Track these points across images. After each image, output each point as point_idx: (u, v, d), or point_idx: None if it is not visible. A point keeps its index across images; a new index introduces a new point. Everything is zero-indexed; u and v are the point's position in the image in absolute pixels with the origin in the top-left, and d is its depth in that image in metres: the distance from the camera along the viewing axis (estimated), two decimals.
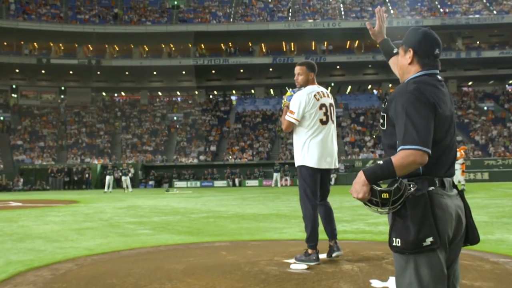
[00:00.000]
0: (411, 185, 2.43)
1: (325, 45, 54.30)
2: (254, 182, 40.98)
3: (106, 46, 54.86)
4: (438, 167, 2.49)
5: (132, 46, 54.63)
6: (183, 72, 54.61)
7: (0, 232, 9.95)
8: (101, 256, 6.85)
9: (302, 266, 5.49)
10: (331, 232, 5.75)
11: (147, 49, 56.48)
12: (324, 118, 5.62)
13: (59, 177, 40.42)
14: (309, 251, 5.62)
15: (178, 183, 41.01)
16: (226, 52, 54.72)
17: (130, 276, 5.28)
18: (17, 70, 54.21)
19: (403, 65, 2.65)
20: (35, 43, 54.44)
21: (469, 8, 51.76)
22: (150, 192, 31.09)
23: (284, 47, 56.10)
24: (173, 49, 56.13)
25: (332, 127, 5.72)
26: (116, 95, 60.33)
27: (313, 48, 55.39)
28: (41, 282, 5.26)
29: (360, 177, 2.43)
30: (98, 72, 53.60)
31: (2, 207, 18.00)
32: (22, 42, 52.86)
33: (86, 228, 10.42)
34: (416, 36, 2.61)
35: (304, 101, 5.59)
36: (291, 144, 45.03)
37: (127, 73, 55.80)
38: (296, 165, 5.78)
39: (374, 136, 45.49)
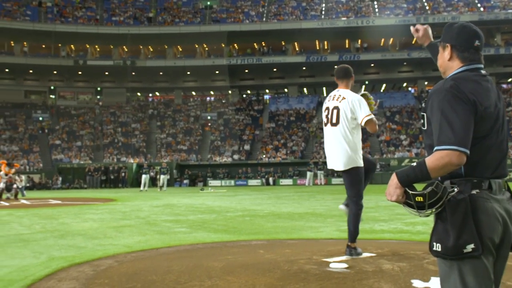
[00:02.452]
0: (452, 188, 2.33)
1: (359, 43, 53.79)
2: (288, 181, 40.88)
3: (141, 47, 55.51)
4: (482, 168, 2.36)
5: (166, 47, 55.14)
6: (217, 72, 54.84)
7: (42, 229, 10.17)
8: (140, 253, 6.92)
9: (342, 265, 5.44)
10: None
11: (180, 50, 56.91)
12: (325, 120, 5.79)
13: (96, 176, 41.09)
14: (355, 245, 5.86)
15: (212, 182, 41.23)
16: (259, 52, 54.74)
17: (170, 273, 5.31)
18: (55, 72, 55.33)
19: (444, 62, 2.56)
20: (72, 45, 55.46)
21: (508, 2, 50.49)
22: (185, 191, 31.32)
23: (317, 45, 55.79)
24: (207, 49, 56.41)
25: (331, 129, 5.77)
26: (150, 95, 60.99)
27: (346, 46, 54.96)
28: (84, 277, 5.34)
29: (393, 179, 2.36)
30: (133, 73, 54.30)
31: (42, 205, 18.39)
32: (59, 45, 53.91)
33: (124, 225, 10.55)
34: (453, 30, 2.52)
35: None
36: None
37: (161, 73, 56.36)
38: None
39: (410, 135, 44.86)
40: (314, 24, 51.08)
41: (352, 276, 4.97)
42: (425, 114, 2.48)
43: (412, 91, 55.92)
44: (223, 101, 57.49)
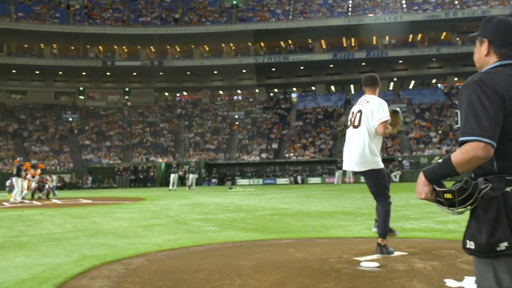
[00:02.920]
0: (485, 185, 2.26)
1: (387, 40, 53.23)
2: (317, 180, 40.71)
3: (168, 47, 55.91)
4: None
5: (193, 47, 55.42)
6: (244, 71, 54.94)
7: (73, 227, 10.31)
8: (170, 252, 6.96)
9: (373, 264, 5.39)
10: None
11: (207, 49, 57.13)
12: (348, 123, 6.02)
13: (125, 175, 41.53)
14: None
15: (240, 181, 41.28)
16: (285, 50, 54.63)
17: (200, 272, 5.33)
18: (83, 73, 56.16)
19: (480, 58, 2.50)
20: (100, 47, 56.17)
21: None
22: (213, 190, 31.42)
23: (344, 42, 55.38)
24: (233, 48, 56.53)
25: (353, 131, 5.92)
26: (178, 94, 61.39)
27: (374, 43, 54.43)
28: (115, 276, 5.39)
29: (421, 177, 2.34)
30: (161, 73, 54.76)
31: (73, 204, 18.67)
32: (88, 46, 54.68)
33: (154, 224, 10.63)
34: (491, 25, 2.46)
35: None
36: None
37: (188, 73, 56.68)
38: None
39: (440, 132, 44.24)
40: (341, 21, 50.70)
41: (383, 275, 4.92)
42: (458, 111, 2.40)
43: (442, 87, 55.10)
44: (251, 100, 57.54)
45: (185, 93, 61.25)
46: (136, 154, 47.89)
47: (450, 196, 2.27)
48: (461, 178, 2.28)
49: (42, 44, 54.17)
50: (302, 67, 55.04)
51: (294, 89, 59.88)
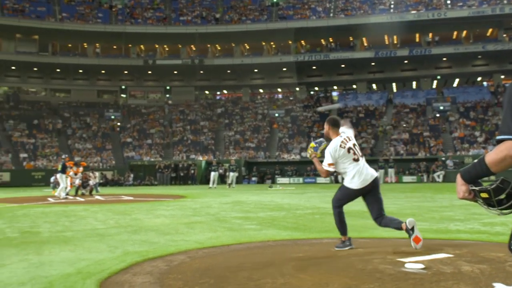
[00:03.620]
0: None
1: (430, 37, 52.20)
2: None
3: (208, 45, 56.25)
4: None
5: (233, 45, 55.64)
6: (284, 69, 54.83)
7: (116, 224, 10.46)
8: (211, 250, 6.96)
9: (418, 265, 5.26)
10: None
11: (248, 47, 57.23)
12: (355, 157, 6.57)
13: (166, 173, 42.00)
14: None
15: (280, 179, 41.22)
16: (326, 48, 54.26)
17: (242, 270, 5.30)
18: (125, 72, 57.10)
19: None
20: (141, 46, 56.97)
21: None
22: (253, 188, 31.45)
23: (386, 40, 54.58)
24: (274, 46, 56.46)
25: (362, 160, 6.67)
26: (218, 93, 61.72)
27: (417, 40, 53.48)
28: (157, 272, 5.42)
29: (458, 177, 2.39)
30: (201, 71, 55.15)
31: (115, 201, 18.96)
32: (129, 45, 55.56)
33: (194, 222, 10.68)
34: None
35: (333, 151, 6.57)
36: (396, 140, 43.85)
37: (228, 71, 56.93)
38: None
39: (485, 131, 43.15)
40: (383, 18, 49.98)
41: (429, 278, 4.79)
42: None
43: (487, 85, 53.69)
44: (291, 98, 57.38)
45: (225, 91, 61.54)
46: (176, 152, 48.38)
47: (486, 196, 2.26)
48: (498, 178, 2.25)
49: (85, 44, 55.31)
50: (343, 65, 54.57)
51: (335, 87, 59.43)
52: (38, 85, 57.31)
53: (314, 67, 55.32)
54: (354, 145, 6.66)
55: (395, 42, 54.36)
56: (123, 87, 58.76)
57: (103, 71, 56.83)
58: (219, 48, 57.57)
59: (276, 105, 55.49)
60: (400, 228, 6.37)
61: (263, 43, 55.48)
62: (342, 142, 6.55)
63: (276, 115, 53.43)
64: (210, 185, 32.01)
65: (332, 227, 9.31)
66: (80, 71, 56.15)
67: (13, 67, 53.83)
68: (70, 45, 55.48)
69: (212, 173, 32.48)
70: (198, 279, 4.97)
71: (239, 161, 41.59)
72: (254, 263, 5.64)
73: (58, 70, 55.45)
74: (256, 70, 56.75)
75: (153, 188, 33.96)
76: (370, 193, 6.62)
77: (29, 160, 44.67)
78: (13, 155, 44.90)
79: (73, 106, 55.41)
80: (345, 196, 6.68)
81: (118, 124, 53.27)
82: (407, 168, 40.56)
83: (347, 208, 6.94)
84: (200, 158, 45.17)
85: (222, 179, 37.95)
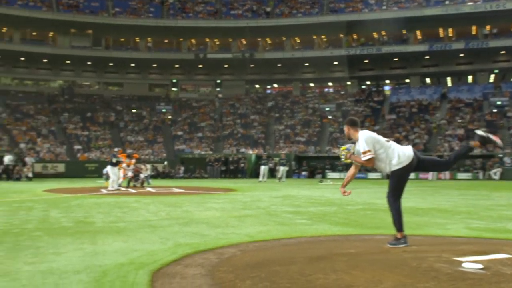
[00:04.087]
0: None
1: (488, 29, 50.49)
2: (410, 175, 39.38)
3: (259, 39, 56.30)
4: None
5: (284, 39, 55.48)
6: (335, 63, 54.32)
7: (167, 216, 10.58)
8: (262, 243, 6.93)
9: (476, 265, 5.06)
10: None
11: (298, 41, 56.94)
12: (387, 139, 6.68)
13: (216, 166, 42.32)
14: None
15: (331, 174, 40.88)
16: (379, 41, 53.35)
17: (293, 265, 5.24)
18: (176, 66, 57.90)
19: None
20: (192, 40, 57.55)
21: None
22: (304, 183, 31.31)
23: (441, 33, 53.17)
24: (325, 39, 55.96)
25: None
26: (269, 87, 61.70)
27: (473, 33, 51.88)
28: (209, 264, 5.43)
29: None
30: (252, 65, 55.31)
31: (167, 193, 19.22)
32: (181, 39, 56.26)
33: (245, 215, 10.68)
34: None
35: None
36: (450, 135, 42.73)
37: (279, 65, 56.84)
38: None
39: None
40: (437, 11, 48.66)
41: (488, 278, 4.60)
42: None
43: None
44: (342, 92, 56.81)
45: (275, 85, 61.46)
46: (227, 145, 48.69)
47: None
48: None
49: (137, 38, 56.35)
50: (395, 59, 53.59)
51: (387, 81, 58.35)
52: (92, 78, 58.85)
53: (366, 61, 54.55)
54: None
55: (450, 34, 52.88)
56: (174, 80, 59.57)
57: (154, 65, 57.77)
58: (269, 42, 57.50)
59: (326, 99, 55.01)
60: (471, 147, 6.62)
61: (314, 37, 55.08)
62: (370, 132, 6.64)
63: (327, 109, 52.99)
64: (260, 179, 32.02)
65: (384, 223, 9.16)
66: (132, 65, 57.29)
67: (68, 61, 55.42)
68: (122, 39, 56.65)
69: (262, 167, 32.49)
70: (249, 273, 4.95)
71: (289, 155, 41.47)
72: (306, 258, 5.57)
73: (111, 64, 56.76)
74: (306, 64, 56.43)
75: (203, 181, 34.26)
76: (420, 163, 6.64)
77: (83, 151, 45.91)
78: (67, 147, 46.25)
79: (126, 99, 56.60)
80: (400, 180, 6.60)
81: (169, 117, 54.04)
82: (462, 165, 39.48)
83: None
84: (250, 151, 45.29)
85: (272, 173, 37.96)
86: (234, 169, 42.14)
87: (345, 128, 6.91)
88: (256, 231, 8.19)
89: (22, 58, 53.75)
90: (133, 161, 24.25)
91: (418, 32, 53.33)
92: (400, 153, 6.48)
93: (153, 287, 4.53)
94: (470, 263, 5.14)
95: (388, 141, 6.62)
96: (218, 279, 4.75)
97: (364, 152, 6.47)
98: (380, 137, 6.61)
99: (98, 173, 36.55)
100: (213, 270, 5.15)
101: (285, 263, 5.33)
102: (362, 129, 6.76)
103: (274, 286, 4.43)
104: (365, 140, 6.50)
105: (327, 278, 4.63)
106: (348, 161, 6.80)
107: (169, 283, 4.64)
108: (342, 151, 6.87)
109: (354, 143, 6.83)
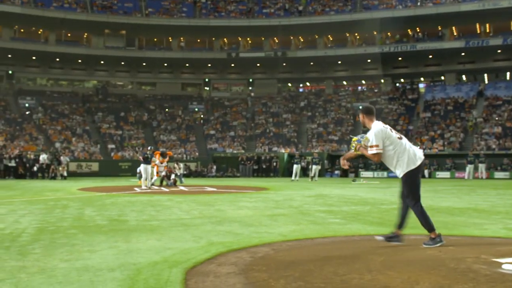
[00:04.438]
0: None
1: None
2: (445, 174, 38.82)
3: (291, 37, 56.11)
4: None
5: (317, 37, 55.19)
6: (368, 60, 53.74)
7: (200, 214, 10.61)
8: (295, 242, 6.89)
9: None
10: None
11: (331, 39, 56.55)
12: (399, 135, 6.61)
13: (248, 165, 42.35)
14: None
15: (364, 173, 40.50)
16: (413, 38, 52.56)
17: (327, 264, 5.18)
18: (209, 65, 58.17)
19: None
20: (225, 39, 57.71)
21: None
22: (336, 182, 31.09)
23: (478, 29, 52.03)
24: (358, 37, 55.45)
25: None
26: (301, 85, 61.44)
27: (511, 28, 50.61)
28: (242, 263, 5.41)
29: None
30: (284, 64, 55.15)
31: (199, 192, 19.31)
32: (213, 38, 56.51)
33: (277, 214, 10.65)
34: None
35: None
36: (487, 134, 41.81)
37: (312, 63, 56.56)
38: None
39: None
40: (474, 6, 47.52)
41: None
42: None
43: None
44: (375, 90, 56.21)
45: (308, 83, 61.18)
46: (259, 144, 48.68)
47: None
48: None
49: (170, 38, 56.80)
50: (431, 56, 52.71)
51: (422, 79, 57.41)
52: (125, 78, 59.60)
53: (400, 58, 53.79)
54: (391, 128, 6.68)
55: (488, 30, 51.67)
56: (206, 80, 59.84)
57: (187, 64, 58.16)
58: (302, 40, 57.24)
59: (359, 98, 54.50)
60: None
61: (347, 34, 54.63)
62: (383, 125, 6.59)
63: (360, 107, 52.31)
64: (293, 177, 31.92)
65: (419, 223, 8.99)
66: (165, 64, 57.80)
67: (101, 62, 56.25)
68: (155, 39, 57.17)
69: (295, 166, 32.36)
70: (283, 272, 4.91)
71: (322, 154, 41.22)
72: (340, 258, 5.51)
73: (144, 64, 57.35)
74: (339, 62, 55.99)
75: (236, 180, 34.33)
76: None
77: (116, 151, 46.53)
78: (101, 146, 46.96)
79: (158, 98, 57.14)
80: (414, 182, 6.41)
81: (202, 116, 54.34)
82: (500, 164, 38.63)
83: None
84: (283, 150, 45.19)
85: (304, 172, 37.78)
86: (266, 168, 42.11)
87: (360, 116, 6.90)
88: (289, 230, 8.15)
89: (58, 59, 54.76)
90: (167, 159, 24.44)
91: (454, 28, 52.33)
92: (411, 153, 6.36)
93: (187, 285, 4.53)
94: (510, 265, 4.99)
95: (400, 138, 6.50)
96: (252, 278, 4.73)
97: (371, 146, 6.38)
98: (392, 133, 6.51)
99: (131, 172, 37.00)
100: (247, 269, 5.14)
101: (319, 263, 5.28)
102: (377, 120, 6.74)
103: (308, 286, 4.38)
104: (375, 134, 6.42)
105: (362, 278, 4.56)
106: (359, 152, 6.68)
107: (203, 282, 4.64)
108: (353, 142, 6.80)
109: (366, 132, 6.75)
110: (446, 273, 4.74)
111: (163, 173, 24.10)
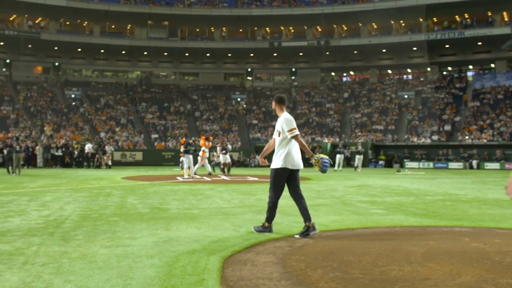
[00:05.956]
0: None
1: None
2: (495, 165, 37.68)
3: (335, 26, 55.44)
4: None
5: (361, 25, 54.34)
6: (414, 48, 52.62)
7: (240, 203, 10.62)
8: (335, 233, 6.81)
9: None
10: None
11: (375, 27, 55.61)
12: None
13: None
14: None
15: (409, 164, 39.78)
16: (461, 24, 51.10)
17: (366, 255, 5.08)
18: (251, 55, 58.12)
19: None
20: (267, 28, 57.54)
21: None
22: (380, 172, 30.67)
23: None
24: (403, 24, 54.34)
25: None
26: (344, 74, 60.75)
27: None
28: (280, 253, 5.38)
29: None
30: (327, 52, 54.55)
31: (241, 181, 19.36)
32: (255, 28, 56.40)
33: (319, 204, 10.55)
34: None
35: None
36: None
37: (355, 52, 55.79)
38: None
39: None
40: None
41: None
42: None
43: None
44: (421, 79, 55.05)
45: (352, 72, 60.42)
46: (302, 134, 48.32)
47: None
48: None
49: (212, 28, 57.03)
50: (480, 43, 51.14)
51: (470, 66, 55.87)
52: (168, 69, 60.23)
53: (447, 46, 52.43)
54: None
55: None
56: (249, 69, 59.87)
57: (229, 54, 58.29)
58: (345, 28, 56.52)
59: (402, 87, 53.49)
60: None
61: (392, 22, 53.61)
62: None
63: (406, 96, 51.55)
64: (336, 168, 31.64)
65: (465, 215, 8.79)
66: (208, 54, 58.07)
67: (145, 52, 57.02)
68: (197, 30, 57.49)
69: (338, 156, 32.06)
70: (321, 262, 4.84)
71: (366, 144, 40.71)
72: (380, 249, 5.40)
73: (186, 54, 57.81)
74: (384, 50, 55.06)
75: None
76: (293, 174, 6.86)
77: (159, 140, 47.13)
78: (145, 136, 47.66)
79: (201, 89, 57.53)
80: (278, 179, 6.85)
81: (244, 106, 54.43)
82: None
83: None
84: (326, 140, 44.84)
85: (348, 162, 37.42)
86: (308, 158, 41.80)
87: (273, 104, 7.26)
88: (330, 220, 8.07)
89: (102, 51, 55.86)
90: (210, 143, 24.51)
91: (504, 14, 50.60)
92: (288, 155, 6.73)
93: (224, 273, 4.53)
94: None
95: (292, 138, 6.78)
96: (289, 267, 4.69)
97: (290, 130, 6.74)
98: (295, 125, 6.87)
99: (174, 161, 37.41)
100: (284, 258, 5.10)
101: (358, 253, 5.18)
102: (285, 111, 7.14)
103: (346, 276, 4.30)
104: (287, 118, 6.88)
105: (401, 270, 4.45)
106: (317, 167, 7.08)
107: (240, 270, 4.63)
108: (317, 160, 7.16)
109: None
110: (490, 266, 4.58)
111: (223, 161, 24.12)
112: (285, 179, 6.79)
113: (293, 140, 6.78)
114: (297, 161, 6.85)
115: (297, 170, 6.88)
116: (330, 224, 7.62)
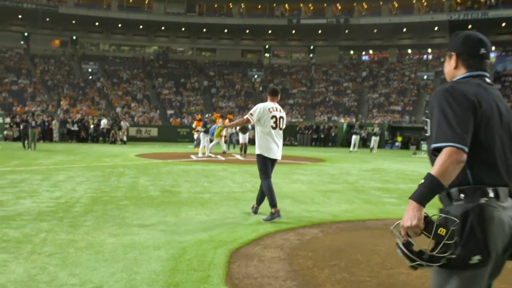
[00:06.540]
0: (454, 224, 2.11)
1: None
2: None
3: (355, 4, 54.64)
4: (490, 175, 2.25)
5: (381, 3, 53.46)
6: (436, 28, 51.72)
7: (252, 187, 10.54)
8: (345, 224, 6.74)
9: None
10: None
11: (396, 5, 54.68)
12: (274, 125, 7.44)
13: (307, 134, 41.99)
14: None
15: (426, 146, 39.38)
16: (485, 5, 50.03)
17: (376, 254, 4.99)
18: (269, 31, 57.55)
19: (450, 71, 2.60)
20: (286, 5, 56.84)
21: None
22: (396, 154, 30.37)
23: None
24: (425, 4, 53.38)
25: (279, 132, 7.56)
26: (363, 53, 60.00)
27: None
28: (288, 247, 5.32)
29: (410, 203, 2.17)
30: (346, 31, 53.83)
31: (254, 161, 19.15)
32: (274, 5, 55.77)
33: (331, 190, 10.45)
34: (458, 40, 2.59)
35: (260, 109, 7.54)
36: None
37: (375, 31, 54.94)
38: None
39: None
40: None
41: None
42: (428, 120, 2.39)
43: None
44: (442, 60, 54.24)
45: (371, 51, 59.65)
46: (318, 113, 48.14)
47: (444, 233, 2.09)
48: (445, 218, 2.16)
49: (231, 4, 56.48)
50: (504, 24, 50.05)
51: (493, 48, 54.81)
52: (185, 44, 59.91)
53: (469, 26, 51.39)
54: (281, 117, 7.60)
55: None
56: (266, 46, 59.39)
57: (247, 31, 57.81)
58: (365, 7, 55.62)
59: (425, 67, 52.78)
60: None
61: (414, 1, 52.67)
62: (271, 107, 7.52)
63: (425, 77, 50.86)
64: (351, 148, 31.39)
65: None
66: (225, 31, 57.63)
67: (162, 28, 56.71)
68: (216, 5, 56.96)
69: (354, 136, 31.77)
70: (329, 260, 4.77)
71: (383, 125, 40.30)
72: (390, 247, 5.27)
73: (204, 30, 57.39)
74: (404, 30, 54.19)
75: (293, 149, 34.09)
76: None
77: (175, 116, 47.14)
78: (161, 112, 47.67)
79: (218, 65, 57.26)
80: (263, 164, 7.46)
81: (261, 83, 54.18)
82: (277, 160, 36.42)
83: None
84: (342, 120, 44.53)
85: (364, 143, 37.15)
86: (324, 138, 41.60)
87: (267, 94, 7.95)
88: (341, 209, 7.98)
89: (119, 25, 55.62)
90: (227, 121, 24.37)
91: None
92: (267, 144, 7.36)
93: (230, 268, 4.51)
94: None
95: (274, 127, 7.39)
96: (296, 265, 4.62)
97: (250, 114, 7.56)
98: (271, 120, 7.41)
99: (189, 138, 37.41)
100: (292, 253, 5.04)
101: (367, 252, 5.09)
102: (275, 102, 7.82)
103: (352, 279, 4.22)
104: (256, 106, 7.68)
105: (410, 274, 4.34)
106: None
107: (246, 266, 4.58)
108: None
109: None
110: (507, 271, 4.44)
111: (242, 141, 23.79)
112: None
113: (270, 129, 7.39)
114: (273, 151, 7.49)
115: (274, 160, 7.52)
116: (341, 214, 7.54)
